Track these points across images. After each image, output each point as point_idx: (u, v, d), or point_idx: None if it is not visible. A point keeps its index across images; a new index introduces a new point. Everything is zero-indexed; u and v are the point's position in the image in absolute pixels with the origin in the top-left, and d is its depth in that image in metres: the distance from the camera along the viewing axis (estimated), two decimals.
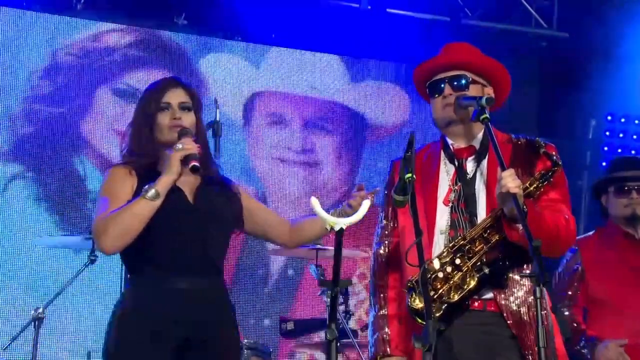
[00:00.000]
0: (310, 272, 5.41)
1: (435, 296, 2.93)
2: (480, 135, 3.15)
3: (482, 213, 3.04)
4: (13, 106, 6.41)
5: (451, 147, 3.17)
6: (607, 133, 7.30)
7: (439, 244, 3.05)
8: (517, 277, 2.99)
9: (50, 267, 6.19)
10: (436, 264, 2.96)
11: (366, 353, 5.19)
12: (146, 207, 3.11)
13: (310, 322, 6.02)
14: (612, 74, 6.84)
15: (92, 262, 5.12)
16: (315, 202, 2.50)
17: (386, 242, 3.22)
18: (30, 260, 6.21)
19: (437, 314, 2.91)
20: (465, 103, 3.08)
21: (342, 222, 2.51)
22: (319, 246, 5.22)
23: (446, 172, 3.15)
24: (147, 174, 3.20)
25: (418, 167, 3.08)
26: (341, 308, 5.44)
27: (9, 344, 5.16)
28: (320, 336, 6.31)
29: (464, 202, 3.07)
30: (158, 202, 3.12)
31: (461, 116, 3.11)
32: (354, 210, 3.19)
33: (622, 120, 7.30)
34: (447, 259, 2.97)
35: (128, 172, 3.24)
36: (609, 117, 7.29)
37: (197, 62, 6.93)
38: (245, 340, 5.05)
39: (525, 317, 2.97)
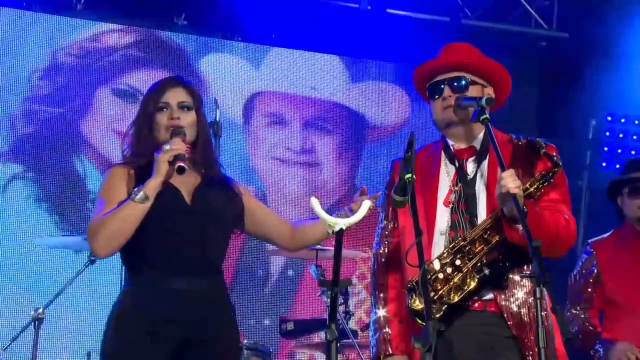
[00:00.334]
0: (310, 272, 5.41)
1: (435, 297, 2.93)
2: (480, 136, 3.15)
3: (482, 214, 3.04)
4: (13, 106, 6.42)
5: (452, 147, 3.17)
6: (607, 133, 7.30)
7: (439, 244, 3.05)
8: (517, 277, 2.99)
9: (50, 267, 6.19)
10: (436, 264, 2.96)
11: (366, 353, 5.19)
12: (135, 210, 3.10)
13: (310, 322, 6.02)
14: (612, 74, 6.84)
15: (92, 262, 5.12)
16: (315, 202, 2.50)
17: (386, 242, 3.22)
18: (30, 261, 6.21)
19: (437, 315, 2.91)
20: (465, 104, 3.08)
21: (342, 222, 2.51)
22: (318, 246, 5.21)
23: (447, 173, 3.15)
24: (146, 174, 3.20)
25: (418, 167, 3.08)
26: (341, 308, 5.43)
27: (9, 344, 5.16)
28: (320, 336, 6.31)
29: (464, 202, 3.07)
30: (147, 205, 3.10)
31: (461, 117, 3.11)
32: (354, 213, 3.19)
33: (622, 120, 7.30)
34: (448, 260, 2.97)
35: (127, 172, 3.24)
36: (609, 118, 7.29)
37: (197, 62, 6.93)
38: (245, 341, 5.05)
39: (525, 318, 2.97)
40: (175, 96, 3.30)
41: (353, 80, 7.34)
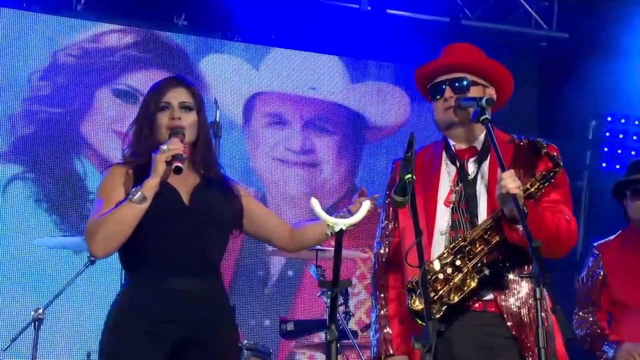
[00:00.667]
0: (310, 272, 5.41)
1: (435, 297, 2.93)
2: (482, 136, 3.15)
3: (483, 214, 3.04)
4: (13, 107, 6.42)
5: (453, 148, 3.17)
6: (607, 134, 7.29)
7: (439, 244, 3.05)
8: (517, 278, 2.99)
9: (50, 267, 6.19)
10: (436, 265, 2.96)
11: (366, 354, 5.19)
12: (133, 210, 3.09)
13: (310, 323, 6.02)
14: (612, 75, 6.84)
15: (92, 262, 5.12)
16: (315, 203, 2.50)
17: (387, 242, 3.22)
18: (30, 261, 6.21)
19: (437, 315, 2.91)
20: (465, 104, 3.08)
21: (341, 223, 2.51)
22: (319, 247, 5.21)
23: (447, 173, 3.15)
24: (145, 174, 3.18)
25: (418, 167, 3.08)
26: (341, 309, 5.43)
27: (9, 345, 5.16)
28: (320, 337, 6.31)
29: (465, 203, 3.07)
30: (145, 205, 3.10)
31: (461, 118, 3.11)
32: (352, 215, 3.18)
33: (622, 121, 7.29)
34: (448, 260, 2.97)
35: (126, 172, 3.23)
36: (609, 118, 7.28)
37: (197, 62, 6.93)
38: (245, 341, 5.05)
39: (525, 319, 2.97)
40: (177, 96, 3.29)
41: (353, 80, 7.34)
